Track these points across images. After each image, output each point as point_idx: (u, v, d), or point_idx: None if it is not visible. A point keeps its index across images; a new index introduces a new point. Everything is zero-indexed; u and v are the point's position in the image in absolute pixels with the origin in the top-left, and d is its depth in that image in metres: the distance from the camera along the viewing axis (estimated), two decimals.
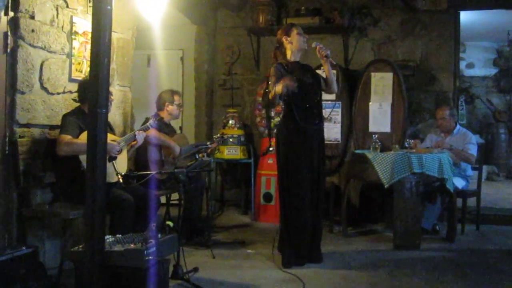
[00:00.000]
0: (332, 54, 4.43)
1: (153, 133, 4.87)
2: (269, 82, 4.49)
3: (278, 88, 4.24)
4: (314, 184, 4.48)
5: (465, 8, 6.68)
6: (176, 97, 5.39)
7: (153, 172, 4.33)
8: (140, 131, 4.47)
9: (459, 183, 5.58)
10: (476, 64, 11.81)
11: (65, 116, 4.10)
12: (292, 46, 4.50)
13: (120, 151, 4.17)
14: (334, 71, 4.92)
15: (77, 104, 4.29)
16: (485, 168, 8.92)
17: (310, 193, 4.46)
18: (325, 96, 6.37)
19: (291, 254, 4.42)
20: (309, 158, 4.45)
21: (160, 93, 5.51)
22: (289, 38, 4.50)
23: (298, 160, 4.43)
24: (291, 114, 4.42)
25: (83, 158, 3.76)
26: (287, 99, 4.40)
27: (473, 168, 5.89)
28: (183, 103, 5.69)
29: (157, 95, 5.48)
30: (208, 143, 5.46)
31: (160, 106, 5.37)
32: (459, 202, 5.56)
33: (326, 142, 6.35)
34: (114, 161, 4.04)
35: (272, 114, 6.56)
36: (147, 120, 4.68)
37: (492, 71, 12.01)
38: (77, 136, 3.97)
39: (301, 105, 4.40)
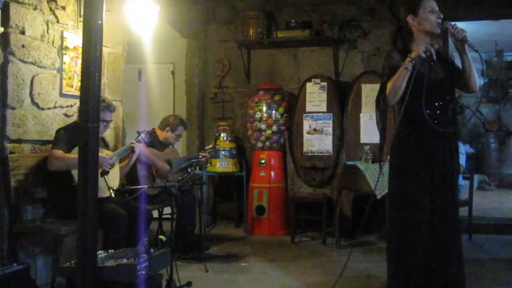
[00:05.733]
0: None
1: (143, 150, 4.85)
2: (383, 77, 3.37)
3: (414, 53, 3.10)
4: (437, 218, 3.22)
5: (453, 20, 6.71)
6: (180, 128, 5.40)
7: (145, 186, 4.31)
8: (137, 144, 4.47)
9: None
10: None
11: (58, 131, 4.09)
12: (420, 28, 3.28)
13: (112, 165, 4.16)
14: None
15: (70, 119, 4.28)
16: (476, 178, 8.97)
17: (430, 229, 3.22)
18: (316, 108, 6.51)
19: None
20: (431, 181, 3.23)
21: (170, 115, 5.62)
22: (416, 19, 3.28)
23: (415, 184, 3.23)
24: (410, 121, 3.26)
25: (75, 172, 3.74)
26: (406, 101, 3.18)
27: (464, 178, 5.92)
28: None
29: (167, 115, 5.56)
30: (200, 156, 5.45)
31: (162, 127, 5.41)
32: None
33: (317, 154, 6.51)
34: (106, 176, 4.02)
35: (263, 126, 6.55)
36: (138, 134, 4.67)
37: (481, 81, 12.12)
38: (69, 151, 3.96)
39: (425, 109, 3.16)
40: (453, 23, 3.22)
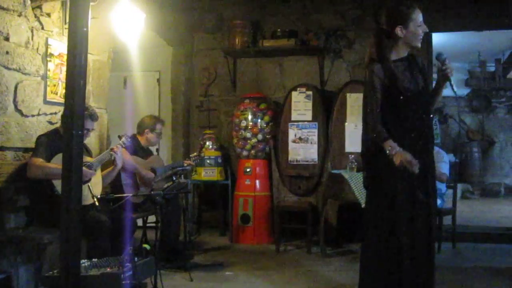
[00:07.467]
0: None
1: (127, 157, 4.82)
2: (366, 94, 3.27)
3: (395, 158, 3.04)
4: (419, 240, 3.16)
5: (437, 30, 6.82)
6: (158, 126, 5.36)
7: (130, 194, 4.29)
8: (117, 146, 4.43)
9: None
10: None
11: (39, 137, 4.05)
12: (405, 40, 3.26)
13: (94, 172, 4.13)
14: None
15: (54, 127, 4.24)
16: (459, 187, 9.05)
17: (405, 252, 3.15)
18: (301, 116, 6.53)
19: None
20: (410, 200, 3.15)
21: (143, 117, 5.48)
22: (405, 31, 3.22)
23: (392, 203, 3.16)
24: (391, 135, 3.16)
25: (56, 182, 3.71)
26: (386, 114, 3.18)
27: (448, 187, 5.97)
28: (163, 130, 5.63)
29: (140, 119, 5.46)
30: (185, 164, 5.42)
31: (140, 131, 5.36)
32: None
33: (303, 162, 6.52)
34: (89, 183, 3.99)
35: (249, 135, 6.54)
36: (119, 138, 4.63)
37: (464, 91, 12.28)
38: (49, 159, 3.91)
39: (404, 124, 3.19)
40: (445, 57, 3.24)
